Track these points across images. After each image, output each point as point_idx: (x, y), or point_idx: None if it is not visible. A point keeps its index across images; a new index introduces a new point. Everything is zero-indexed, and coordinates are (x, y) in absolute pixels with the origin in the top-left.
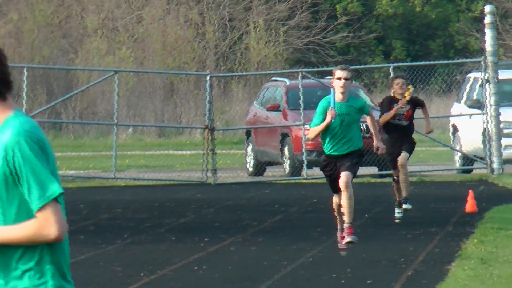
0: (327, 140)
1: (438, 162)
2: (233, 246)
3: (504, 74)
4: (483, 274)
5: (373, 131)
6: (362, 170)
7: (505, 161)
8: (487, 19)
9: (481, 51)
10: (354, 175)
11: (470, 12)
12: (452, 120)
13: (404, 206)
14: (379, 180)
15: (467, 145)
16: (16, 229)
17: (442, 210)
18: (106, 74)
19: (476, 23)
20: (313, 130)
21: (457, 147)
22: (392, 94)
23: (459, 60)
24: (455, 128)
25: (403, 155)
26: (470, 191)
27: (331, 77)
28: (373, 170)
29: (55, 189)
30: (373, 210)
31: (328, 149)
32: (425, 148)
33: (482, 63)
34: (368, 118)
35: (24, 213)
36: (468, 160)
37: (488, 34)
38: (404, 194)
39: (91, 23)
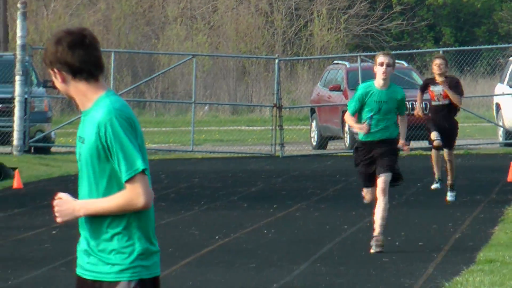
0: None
1: (483, 136)
2: (299, 212)
3: None
4: None
5: (401, 132)
6: (414, 144)
7: None
8: None
9: None
10: (397, 170)
11: None
12: (496, 99)
13: (449, 197)
14: (430, 152)
15: (509, 121)
16: (108, 201)
17: (486, 179)
18: (185, 58)
19: None
20: (348, 119)
21: (500, 123)
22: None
23: (502, 45)
24: (498, 106)
25: (448, 152)
26: None
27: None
28: (424, 143)
29: (139, 164)
30: (424, 180)
31: (362, 135)
32: (472, 124)
33: None
34: (400, 118)
35: (115, 184)
36: (510, 134)
37: None
38: (450, 179)
39: (171, 12)
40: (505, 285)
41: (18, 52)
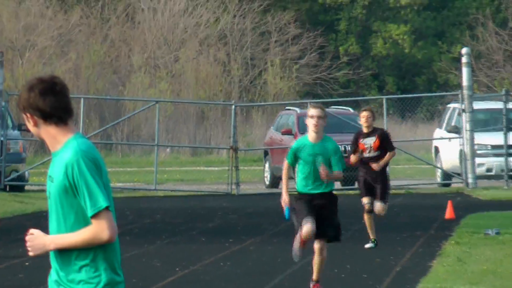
0: (300, 178)
1: (423, 177)
2: (253, 246)
3: (477, 105)
4: (459, 270)
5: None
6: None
7: (478, 177)
8: (464, 59)
9: (459, 86)
10: (338, 235)
11: (450, 53)
12: (435, 143)
13: (367, 245)
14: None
15: (446, 163)
16: (76, 235)
17: (425, 217)
18: (149, 103)
19: (455, 62)
20: (283, 172)
21: (439, 165)
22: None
23: (441, 93)
24: (437, 149)
25: (379, 206)
26: (449, 201)
27: (335, 107)
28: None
29: (103, 201)
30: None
31: (301, 186)
32: (412, 165)
33: (460, 95)
34: (336, 173)
35: (81, 219)
36: (447, 175)
37: (465, 71)
38: (371, 235)
39: (136, 62)
40: None
41: None
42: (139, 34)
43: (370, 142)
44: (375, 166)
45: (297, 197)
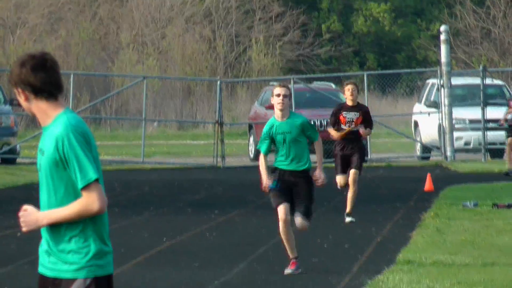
0: (278, 156)
1: (403, 150)
2: (238, 217)
3: (455, 81)
4: (438, 240)
5: (317, 159)
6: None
7: (456, 150)
8: (443, 37)
9: (438, 62)
10: (310, 216)
11: (429, 31)
12: (414, 117)
13: (347, 219)
14: None
15: (426, 137)
16: (67, 209)
17: (405, 189)
18: (137, 79)
19: (434, 39)
20: (260, 162)
21: (418, 139)
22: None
23: (420, 69)
24: (416, 124)
25: (354, 172)
26: (428, 174)
27: (318, 82)
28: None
29: (92, 174)
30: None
31: (277, 162)
32: (392, 139)
33: (438, 71)
34: (315, 144)
35: (71, 191)
36: (426, 149)
37: (443, 48)
38: (348, 208)
39: (124, 39)
40: (422, 283)
41: None
42: (127, 12)
43: (352, 116)
44: (363, 131)
45: (273, 170)
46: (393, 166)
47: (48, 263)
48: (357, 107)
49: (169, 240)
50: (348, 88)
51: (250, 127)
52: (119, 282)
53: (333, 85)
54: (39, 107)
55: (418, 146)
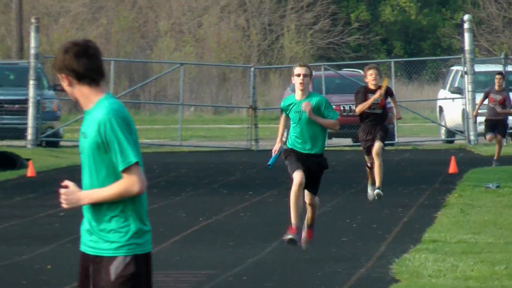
0: (291, 136)
1: (428, 134)
2: (271, 198)
3: (478, 68)
4: (462, 221)
5: (322, 122)
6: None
7: (479, 134)
8: (466, 25)
9: (461, 50)
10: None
11: (453, 20)
12: (439, 103)
13: (377, 191)
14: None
15: (450, 121)
16: (108, 190)
17: (430, 171)
18: (174, 66)
19: (458, 28)
20: (281, 118)
21: (443, 123)
22: (366, 84)
23: (444, 57)
24: (441, 109)
25: (378, 145)
26: (452, 157)
27: (346, 69)
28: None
29: (132, 157)
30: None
31: (290, 144)
32: (418, 124)
33: (462, 59)
34: (329, 121)
35: (112, 173)
36: (450, 133)
37: (467, 37)
38: (377, 183)
39: (162, 27)
40: (446, 262)
41: (31, 60)
42: (165, 2)
43: (378, 99)
44: (398, 115)
45: (286, 150)
46: (418, 150)
47: (90, 241)
48: (379, 89)
49: (205, 219)
50: (371, 73)
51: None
52: (157, 260)
53: (361, 72)
54: (81, 92)
55: (443, 130)
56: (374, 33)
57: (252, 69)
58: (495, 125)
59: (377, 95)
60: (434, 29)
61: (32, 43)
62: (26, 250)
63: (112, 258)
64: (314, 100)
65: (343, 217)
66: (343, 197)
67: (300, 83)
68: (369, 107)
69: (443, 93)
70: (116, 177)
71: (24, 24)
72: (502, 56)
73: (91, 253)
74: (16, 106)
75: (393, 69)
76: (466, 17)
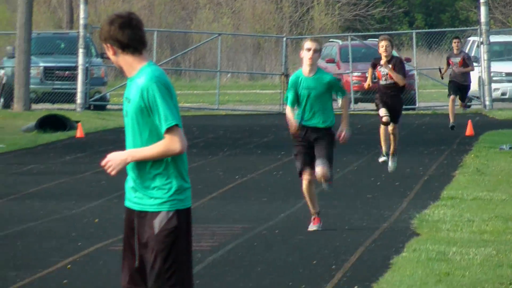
0: (299, 111)
1: (447, 100)
2: None
3: (493, 38)
4: (478, 179)
5: (343, 116)
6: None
7: (494, 100)
8: None
9: (477, 22)
10: (331, 165)
11: None
12: None
13: (390, 165)
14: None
15: None
16: (151, 148)
17: (449, 134)
18: (212, 36)
19: (474, 1)
20: (287, 113)
21: None
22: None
23: (462, 28)
24: None
25: (393, 126)
26: (469, 121)
27: (371, 39)
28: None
29: (173, 119)
30: (400, 134)
31: (299, 119)
32: (438, 90)
33: (478, 30)
34: (342, 101)
35: (154, 134)
36: (468, 98)
37: (483, 9)
38: (393, 146)
39: (201, 0)
40: (463, 217)
41: (80, 30)
42: None
43: (386, 70)
44: (342, 138)
45: (295, 138)
46: (438, 114)
47: (134, 198)
48: (390, 61)
49: (240, 177)
50: (382, 45)
51: None
52: (197, 214)
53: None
54: (125, 60)
55: None
56: (397, 6)
57: (284, 39)
58: (458, 88)
59: (368, 79)
60: (452, 2)
61: (81, 14)
62: (75, 205)
63: (156, 213)
64: (325, 79)
65: (368, 176)
66: (368, 157)
67: (309, 58)
68: (381, 78)
69: None
70: (158, 138)
71: None
72: None
73: (136, 208)
74: (67, 72)
75: (414, 40)
76: None
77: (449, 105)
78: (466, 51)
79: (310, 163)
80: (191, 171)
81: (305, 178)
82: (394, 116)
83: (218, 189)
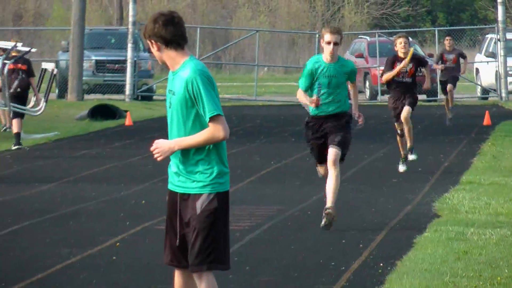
0: (316, 95)
1: (466, 92)
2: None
3: (510, 36)
4: (494, 165)
5: (353, 102)
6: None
7: (510, 92)
8: None
9: (495, 20)
10: (345, 151)
11: None
12: (476, 65)
13: (410, 157)
14: (427, 103)
15: (485, 81)
16: (197, 137)
17: (468, 123)
18: (251, 32)
19: (492, 1)
20: (299, 95)
21: (479, 83)
22: (396, 53)
23: (481, 26)
24: (477, 70)
25: (406, 109)
26: (487, 111)
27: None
28: (423, 97)
29: (216, 109)
30: (423, 123)
31: (313, 109)
32: (458, 83)
33: (496, 28)
34: (351, 86)
35: (198, 124)
36: (485, 91)
37: (500, 9)
38: (409, 144)
39: None
40: (480, 200)
41: (130, 26)
42: None
43: (406, 68)
44: (426, 85)
45: (307, 121)
46: (458, 105)
47: (178, 181)
48: (411, 59)
49: (276, 163)
50: (400, 42)
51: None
52: (235, 197)
53: (410, 38)
54: (169, 55)
55: (479, 89)
56: (421, 5)
57: (317, 35)
58: (451, 79)
59: (402, 64)
60: (472, 2)
61: (130, 12)
62: (124, 187)
63: (198, 195)
64: (347, 68)
65: (393, 162)
66: (393, 145)
67: (330, 52)
68: (398, 75)
69: (479, 57)
70: (200, 127)
71: None
72: None
73: (179, 191)
74: (117, 65)
75: (437, 36)
76: None
77: (449, 97)
78: (484, 47)
79: (325, 158)
80: (230, 157)
81: (320, 172)
82: (410, 102)
83: (255, 173)
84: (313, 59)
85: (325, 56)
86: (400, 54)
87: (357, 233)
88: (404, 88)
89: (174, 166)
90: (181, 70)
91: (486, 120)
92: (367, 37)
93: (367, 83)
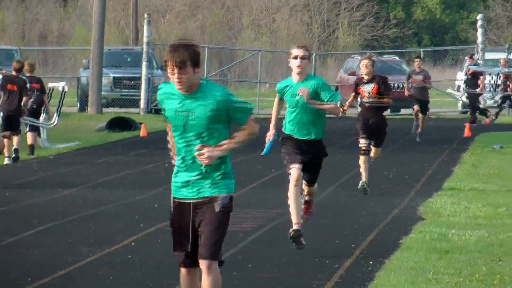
0: (287, 120)
1: (449, 106)
2: (331, 154)
3: (488, 55)
4: (473, 173)
5: (323, 105)
6: (403, 110)
7: (488, 107)
8: (479, 22)
9: (475, 42)
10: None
11: (469, 19)
12: (457, 82)
13: (362, 183)
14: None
15: (465, 97)
16: (236, 139)
17: (450, 135)
18: (254, 52)
19: (472, 25)
20: (274, 103)
21: (460, 98)
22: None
23: (462, 47)
24: (458, 87)
25: (376, 151)
26: (467, 124)
27: (387, 55)
28: (387, 112)
29: (249, 107)
30: (408, 135)
31: (287, 129)
32: (441, 98)
33: (475, 48)
34: (329, 105)
35: (221, 136)
36: (465, 106)
37: (479, 31)
38: (365, 177)
39: (245, 22)
40: (461, 204)
41: (144, 46)
42: (248, 2)
43: (368, 88)
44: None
45: (283, 137)
46: (441, 118)
47: (190, 189)
48: (373, 79)
49: (276, 171)
50: (363, 64)
51: (337, 88)
52: (239, 201)
53: (397, 58)
54: (196, 76)
55: (460, 103)
56: (407, 28)
57: (314, 55)
58: (418, 101)
59: (346, 105)
60: (454, 26)
61: (145, 33)
62: (138, 192)
63: (216, 196)
64: (311, 83)
65: (382, 169)
66: (383, 153)
67: (298, 66)
68: (364, 97)
69: (461, 74)
70: (223, 137)
71: (139, 19)
72: (506, 46)
73: (193, 197)
74: (132, 82)
75: (422, 56)
76: (479, 16)
77: (415, 115)
78: (465, 66)
79: (299, 161)
80: (234, 165)
81: (293, 179)
82: (379, 137)
83: (257, 180)
84: (284, 80)
85: (293, 74)
86: (364, 77)
87: (349, 234)
88: (371, 109)
89: (185, 175)
90: (201, 91)
91: (466, 132)
92: (359, 56)
93: (358, 99)
